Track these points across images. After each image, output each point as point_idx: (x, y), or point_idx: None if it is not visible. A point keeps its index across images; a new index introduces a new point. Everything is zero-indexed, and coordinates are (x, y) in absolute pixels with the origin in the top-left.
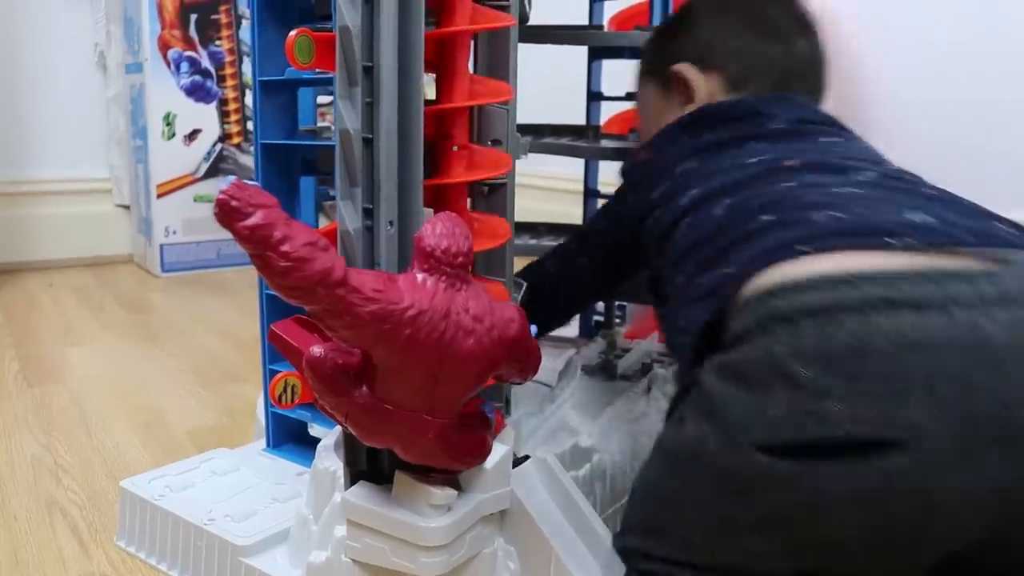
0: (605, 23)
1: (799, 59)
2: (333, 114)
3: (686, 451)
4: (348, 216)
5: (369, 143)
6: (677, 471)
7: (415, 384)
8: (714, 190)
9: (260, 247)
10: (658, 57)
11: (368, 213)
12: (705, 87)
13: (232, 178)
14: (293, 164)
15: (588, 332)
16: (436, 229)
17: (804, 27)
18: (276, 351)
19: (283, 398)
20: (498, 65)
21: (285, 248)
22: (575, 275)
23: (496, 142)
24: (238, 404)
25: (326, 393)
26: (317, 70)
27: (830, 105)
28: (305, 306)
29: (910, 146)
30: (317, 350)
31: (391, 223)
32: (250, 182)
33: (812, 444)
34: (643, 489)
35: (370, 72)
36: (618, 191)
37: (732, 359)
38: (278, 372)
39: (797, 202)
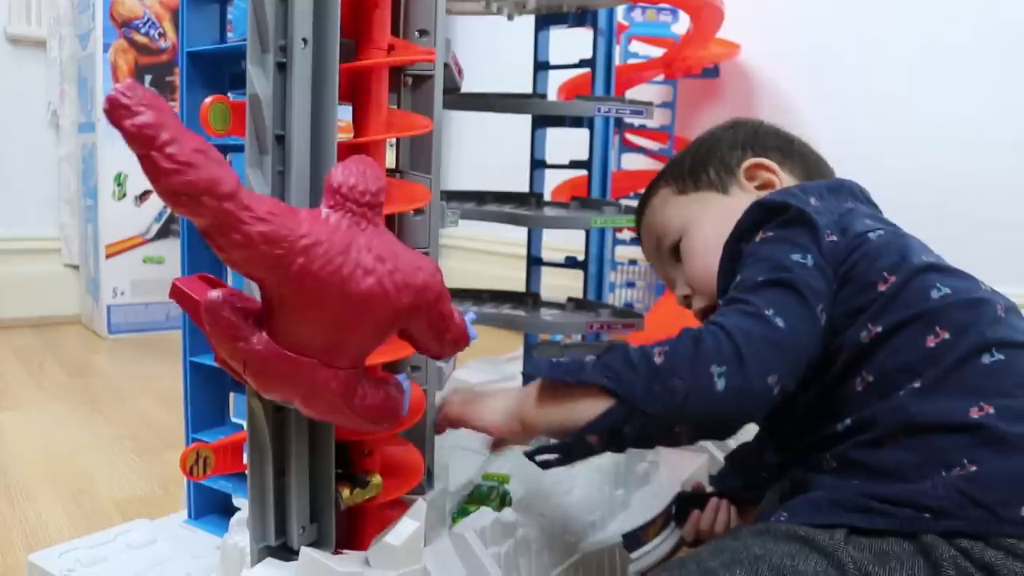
0: (550, 92)
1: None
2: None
3: None
4: None
5: None
6: None
7: (314, 325)
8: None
9: (146, 147)
10: (703, 169)
11: None
12: (782, 172)
13: (128, 80)
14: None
15: None
16: (346, 168)
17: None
18: (199, 417)
19: (194, 470)
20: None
21: (171, 150)
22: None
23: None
24: (173, 473)
25: (223, 339)
26: None
27: None
28: (193, 220)
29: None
30: (215, 293)
31: None
32: (148, 88)
33: None
34: None
35: (282, 140)
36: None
37: None
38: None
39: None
